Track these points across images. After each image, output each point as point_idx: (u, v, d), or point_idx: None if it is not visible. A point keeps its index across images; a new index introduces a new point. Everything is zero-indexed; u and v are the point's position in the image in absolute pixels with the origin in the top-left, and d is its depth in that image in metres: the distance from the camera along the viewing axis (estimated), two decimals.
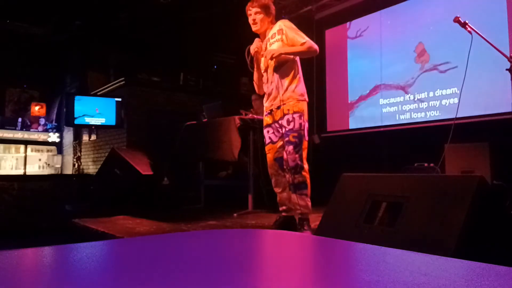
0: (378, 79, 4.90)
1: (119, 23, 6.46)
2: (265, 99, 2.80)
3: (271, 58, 2.58)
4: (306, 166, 2.62)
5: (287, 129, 2.62)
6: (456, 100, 3.95)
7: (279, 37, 2.65)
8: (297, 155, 2.57)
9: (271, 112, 2.74)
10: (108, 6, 6.07)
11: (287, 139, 2.61)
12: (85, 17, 6.43)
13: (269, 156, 2.77)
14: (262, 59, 2.75)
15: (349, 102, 5.20)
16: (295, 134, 2.59)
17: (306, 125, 2.67)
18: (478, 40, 2.67)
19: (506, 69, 2.67)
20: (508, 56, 2.69)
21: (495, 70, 3.65)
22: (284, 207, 2.77)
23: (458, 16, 2.68)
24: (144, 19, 6.45)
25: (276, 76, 2.66)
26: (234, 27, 6.56)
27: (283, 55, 2.59)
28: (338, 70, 5.35)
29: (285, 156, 2.70)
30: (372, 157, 4.73)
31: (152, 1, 5.97)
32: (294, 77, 2.66)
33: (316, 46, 2.61)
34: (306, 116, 2.67)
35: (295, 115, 2.61)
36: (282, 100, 2.63)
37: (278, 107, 2.66)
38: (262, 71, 2.78)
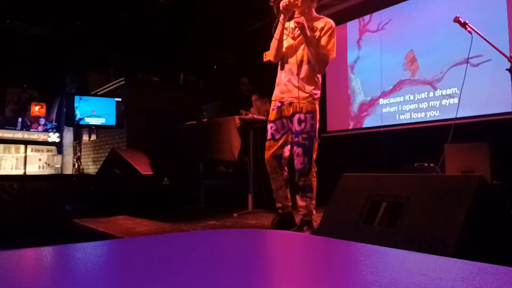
0: (404, 74, 4.63)
1: (119, 23, 6.46)
2: (277, 88, 2.68)
3: (297, 23, 2.46)
4: (314, 169, 2.55)
5: (297, 130, 2.53)
6: (456, 100, 3.94)
7: (317, 34, 2.54)
8: (306, 158, 2.50)
9: (280, 106, 2.63)
10: (108, 6, 6.07)
11: (296, 139, 2.53)
12: (85, 17, 6.43)
13: (268, 153, 2.66)
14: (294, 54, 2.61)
15: (369, 99, 4.98)
16: (305, 136, 2.51)
17: (317, 125, 2.60)
18: (479, 40, 2.67)
19: (506, 69, 2.67)
20: (508, 56, 2.69)
21: (495, 70, 3.66)
22: (279, 205, 2.73)
23: (458, 16, 2.69)
24: (144, 19, 6.46)
25: (299, 70, 2.55)
26: (234, 27, 6.60)
27: (304, 33, 2.46)
28: (338, 70, 5.33)
29: (285, 154, 2.67)
30: (372, 157, 4.73)
31: (152, 1, 5.97)
32: (316, 79, 2.59)
33: (326, 69, 2.61)
34: (318, 117, 2.59)
35: (308, 115, 2.52)
36: (296, 97, 2.53)
37: (291, 103, 2.58)
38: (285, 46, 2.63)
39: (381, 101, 4.84)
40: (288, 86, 2.59)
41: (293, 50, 2.60)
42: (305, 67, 2.56)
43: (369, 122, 4.98)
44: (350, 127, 5.18)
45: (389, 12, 4.87)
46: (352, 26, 5.32)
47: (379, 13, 4.97)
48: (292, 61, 2.59)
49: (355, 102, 5.18)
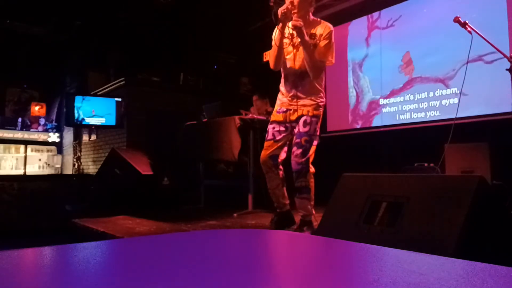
0: (415, 71, 4.49)
1: (119, 23, 6.47)
2: (283, 97, 2.64)
3: (294, 26, 2.41)
4: (312, 170, 2.56)
5: (301, 131, 2.53)
6: (456, 100, 3.94)
7: (316, 42, 2.51)
8: (303, 159, 2.50)
9: (286, 111, 2.61)
10: (108, 6, 6.07)
11: (297, 140, 2.52)
12: (85, 17, 6.43)
13: (265, 153, 2.62)
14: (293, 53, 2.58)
15: (379, 97, 4.84)
16: (307, 138, 2.51)
17: (318, 131, 2.61)
18: (479, 40, 2.67)
19: (506, 69, 2.67)
20: (508, 56, 2.70)
21: (495, 70, 3.66)
22: (277, 204, 2.71)
23: (458, 16, 2.69)
24: (144, 19, 6.46)
25: (303, 82, 2.55)
26: (234, 27, 6.60)
27: (301, 36, 2.42)
28: (339, 70, 5.33)
29: (282, 156, 2.67)
30: (372, 157, 4.73)
31: (152, 1, 5.97)
32: (319, 87, 2.60)
33: (321, 76, 2.59)
34: (320, 121, 2.61)
35: (313, 119, 2.54)
36: (303, 105, 2.55)
37: (296, 110, 2.58)
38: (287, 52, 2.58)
39: (381, 101, 4.84)
40: (295, 94, 2.58)
41: (294, 60, 2.57)
42: (308, 78, 2.55)
43: (378, 121, 4.85)
44: (359, 126, 5.07)
45: (399, 9, 4.74)
46: (360, 23, 5.18)
47: (389, 10, 4.83)
48: (296, 69, 2.57)
49: (363, 101, 5.05)
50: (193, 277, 0.61)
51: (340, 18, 5.36)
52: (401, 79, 4.64)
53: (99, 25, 6.57)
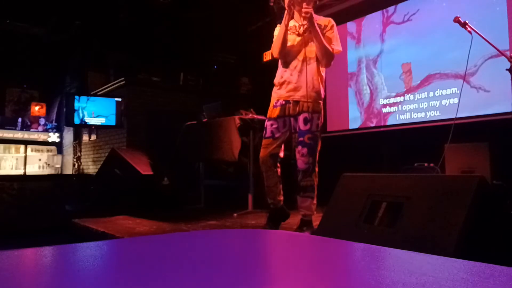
0: (432, 67, 4.29)
1: (119, 23, 6.47)
2: (283, 87, 2.57)
3: (305, 14, 2.40)
4: (316, 169, 2.53)
5: (302, 129, 2.48)
6: (456, 100, 3.94)
7: (322, 31, 2.52)
8: (310, 158, 2.46)
9: (285, 104, 2.54)
10: (108, 6, 6.07)
11: (301, 139, 2.48)
12: (85, 17, 6.44)
13: (265, 151, 2.54)
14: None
15: (394, 95, 4.66)
16: (311, 136, 2.47)
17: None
18: (479, 40, 2.67)
19: (506, 69, 2.67)
20: (508, 56, 2.70)
21: (495, 70, 3.65)
22: (272, 201, 2.65)
23: (458, 16, 2.69)
24: (144, 19, 6.47)
25: (307, 69, 2.50)
26: (234, 27, 6.60)
27: (312, 23, 2.42)
28: (339, 69, 5.33)
29: (281, 154, 2.65)
30: (372, 157, 4.73)
31: (152, 1, 5.98)
32: (321, 78, 2.58)
33: (330, 63, 2.58)
34: (322, 117, 2.57)
35: (314, 115, 2.49)
36: (305, 96, 2.48)
37: (297, 102, 2.52)
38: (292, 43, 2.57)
39: (381, 101, 4.83)
40: (296, 84, 2.53)
41: (299, 47, 2.55)
42: (313, 65, 2.52)
43: (393, 119, 4.68)
44: (373, 125, 4.93)
45: (417, 3, 4.55)
46: (374, 19, 5.02)
47: (405, 4, 4.64)
48: (299, 58, 2.54)
49: (377, 98, 4.90)
50: (193, 277, 0.61)
51: (340, 18, 5.32)
52: (419, 76, 4.46)
53: (99, 25, 6.57)
